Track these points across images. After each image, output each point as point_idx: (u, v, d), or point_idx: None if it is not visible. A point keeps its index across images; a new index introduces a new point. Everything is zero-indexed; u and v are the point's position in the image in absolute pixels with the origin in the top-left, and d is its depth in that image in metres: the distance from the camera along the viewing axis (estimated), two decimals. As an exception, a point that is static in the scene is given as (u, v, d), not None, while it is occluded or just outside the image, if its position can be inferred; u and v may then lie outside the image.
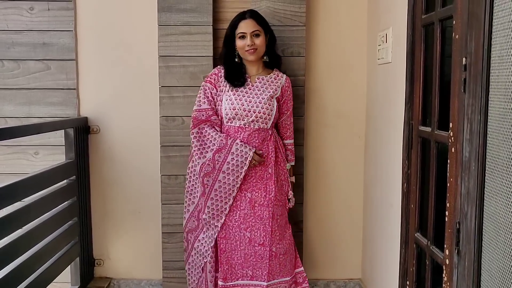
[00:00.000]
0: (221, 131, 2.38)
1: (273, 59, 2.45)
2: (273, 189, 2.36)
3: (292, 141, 2.53)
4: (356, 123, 2.87)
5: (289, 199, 2.45)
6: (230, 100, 2.34)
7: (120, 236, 2.92)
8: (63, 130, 2.61)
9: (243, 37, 2.33)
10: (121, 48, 2.80)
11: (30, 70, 2.81)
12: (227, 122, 2.35)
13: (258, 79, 2.40)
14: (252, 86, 2.38)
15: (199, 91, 2.40)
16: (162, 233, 2.77)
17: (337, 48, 2.83)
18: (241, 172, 2.31)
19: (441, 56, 1.80)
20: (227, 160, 2.32)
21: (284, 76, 2.46)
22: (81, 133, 2.72)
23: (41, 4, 2.77)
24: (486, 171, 1.32)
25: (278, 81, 2.42)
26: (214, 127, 2.37)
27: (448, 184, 1.53)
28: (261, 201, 2.36)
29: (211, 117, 2.36)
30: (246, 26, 2.32)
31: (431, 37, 1.88)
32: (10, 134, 2.00)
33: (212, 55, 2.67)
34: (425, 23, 1.89)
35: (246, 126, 2.33)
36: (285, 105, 2.45)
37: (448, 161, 1.54)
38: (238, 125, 2.33)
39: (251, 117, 2.32)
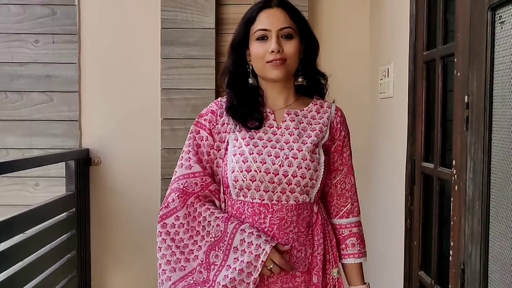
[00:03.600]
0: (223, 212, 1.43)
1: (313, 81, 1.51)
2: None
3: (358, 219, 1.54)
4: (358, 157, 2.85)
5: None
6: (240, 154, 1.39)
7: (119, 269, 2.87)
8: (64, 162, 2.61)
9: (263, 38, 1.40)
10: (123, 81, 2.82)
11: (33, 101, 2.82)
12: (237, 196, 1.39)
13: (288, 114, 1.45)
14: (279, 127, 1.44)
15: (186, 141, 1.47)
16: (162, 267, 2.72)
17: (340, 81, 2.84)
18: None
19: (443, 92, 1.80)
20: (227, 263, 1.36)
21: (333, 106, 1.52)
22: (82, 165, 2.71)
23: (46, 37, 2.81)
24: (490, 211, 1.30)
25: (323, 115, 1.48)
26: (208, 203, 1.43)
27: (452, 223, 1.51)
28: None
29: (210, 186, 1.42)
30: (270, 19, 1.40)
31: (433, 73, 1.89)
32: (10, 167, 1.99)
33: (214, 88, 2.69)
34: (427, 60, 1.89)
35: (273, 201, 1.37)
36: (339, 156, 1.51)
37: (452, 199, 1.51)
38: (258, 200, 1.37)
39: (280, 184, 1.36)
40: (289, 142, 1.42)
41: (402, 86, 2.14)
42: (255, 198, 1.38)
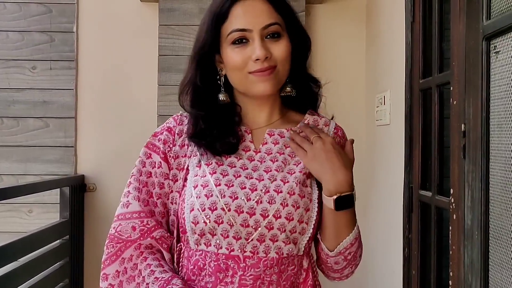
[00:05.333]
0: (172, 267, 1.09)
1: (303, 90, 1.17)
2: None
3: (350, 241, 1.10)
4: (354, 185, 2.84)
5: None
6: (203, 186, 1.05)
7: (112, 298, 2.82)
8: (59, 189, 2.58)
9: (242, 41, 1.05)
10: (120, 107, 2.82)
11: (29, 127, 2.81)
12: (196, 244, 1.05)
13: (270, 134, 1.12)
14: (257, 150, 1.11)
15: (133, 168, 1.14)
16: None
17: (336, 108, 2.85)
18: None
19: (440, 120, 1.80)
20: None
21: (332, 123, 1.21)
22: (77, 191, 2.69)
23: (44, 63, 2.81)
24: (489, 241, 1.28)
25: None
26: (152, 256, 1.07)
27: (451, 252, 1.49)
28: None
29: (154, 232, 1.07)
30: (250, 15, 1.05)
31: (429, 101, 1.89)
32: (4, 195, 1.97)
33: (211, 114, 2.69)
34: (423, 88, 1.90)
35: (246, 253, 1.03)
36: None
37: (450, 228, 1.50)
38: (225, 250, 1.03)
39: (257, 228, 1.03)
40: (270, 171, 1.07)
41: (399, 113, 2.14)
42: (221, 248, 1.02)
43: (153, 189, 1.10)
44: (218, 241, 1.03)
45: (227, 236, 1.02)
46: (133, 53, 2.82)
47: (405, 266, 2.01)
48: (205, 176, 1.06)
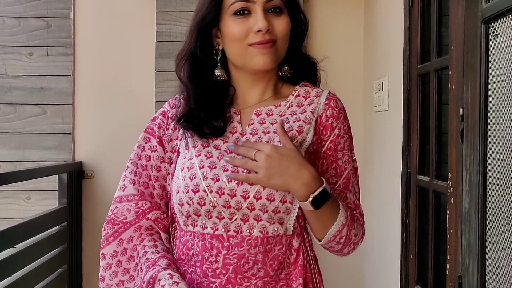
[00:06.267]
0: (168, 248, 1.11)
1: (300, 70, 1.16)
2: None
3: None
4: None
5: None
6: (188, 169, 1.06)
7: (111, 284, 2.83)
8: (57, 175, 2.58)
9: (244, 12, 1.05)
10: (118, 94, 2.81)
11: (26, 114, 2.80)
12: (185, 225, 1.07)
13: (257, 114, 1.11)
14: (243, 132, 1.10)
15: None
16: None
17: (334, 95, 2.85)
18: None
19: (438, 105, 1.80)
20: None
21: (324, 93, 1.14)
22: (75, 178, 2.69)
23: (41, 49, 2.80)
24: (487, 223, 1.29)
25: (307, 108, 1.10)
26: (150, 237, 1.10)
27: (448, 236, 1.50)
28: None
29: (149, 214, 1.10)
30: None
31: (427, 86, 1.89)
32: (1, 180, 1.97)
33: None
34: (421, 73, 1.90)
35: (229, 232, 1.03)
36: (330, 163, 1.11)
37: (448, 212, 1.51)
38: (210, 230, 1.04)
39: (240, 209, 1.02)
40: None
41: (397, 99, 2.14)
42: (206, 228, 1.03)
43: (152, 172, 1.13)
44: (203, 222, 1.04)
45: (211, 217, 1.03)
46: (131, 39, 2.80)
47: (403, 251, 2.03)
48: (192, 158, 1.07)
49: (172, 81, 2.74)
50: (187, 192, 1.04)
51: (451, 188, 1.48)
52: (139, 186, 1.12)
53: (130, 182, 1.12)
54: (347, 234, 1.07)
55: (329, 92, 1.15)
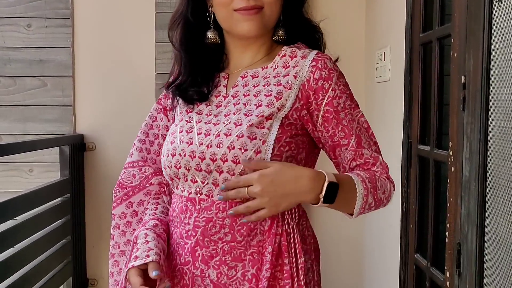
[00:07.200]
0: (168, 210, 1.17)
1: (299, 32, 1.13)
2: None
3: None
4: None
5: None
6: (172, 134, 1.10)
7: (114, 255, 2.87)
8: (58, 147, 2.59)
9: None
10: (118, 66, 2.79)
11: (26, 86, 2.79)
12: (172, 188, 1.13)
13: (243, 76, 1.09)
14: (226, 96, 1.09)
15: None
16: (157, 252, 2.72)
17: (335, 67, 2.83)
18: None
19: (440, 75, 1.79)
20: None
21: (311, 55, 1.07)
22: (77, 150, 2.69)
23: (39, 21, 2.77)
24: (486, 191, 1.29)
25: (291, 71, 1.05)
26: (154, 200, 1.17)
27: (448, 204, 1.50)
28: None
29: (152, 179, 1.17)
30: None
31: (429, 55, 1.87)
32: (3, 151, 1.98)
33: (209, 72, 2.67)
34: (423, 42, 1.88)
35: (201, 195, 1.04)
36: (335, 126, 1.05)
37: (448, 180, 1.51)
38: (186, 193, 1.06)
39: (210, 172, 1.02)
40: (229, 114, 1.04)
41: (399, 69, 2.12)
42: (184, 191, 1.06)
43: (159, 140, 1.21)
44: (183, 185, 1.07)
45: (187, 180, 1.05)
46: (130, 10, 2.77)
47: (403, 220, 2.04)
48: (177, 124, 1.10)
49: (172, 53, 2.72)
50: (168, 156, 1.07)
51: (452, 157, 1.48)
52: (145, 153, 1.19)
53: (136, 150, 1.19)
54: (374, 198, 1.05)
55: (318, 53, 1.08)
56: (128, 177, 1.18)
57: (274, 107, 1.02)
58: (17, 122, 2.79)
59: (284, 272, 1.01)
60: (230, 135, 1.00)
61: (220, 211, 1.02)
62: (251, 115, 1.02)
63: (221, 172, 1.01)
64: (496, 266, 1.25)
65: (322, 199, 0.97)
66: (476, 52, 1.33)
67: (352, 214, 1.05)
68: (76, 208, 2.69)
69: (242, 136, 0.99)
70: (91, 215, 2.82)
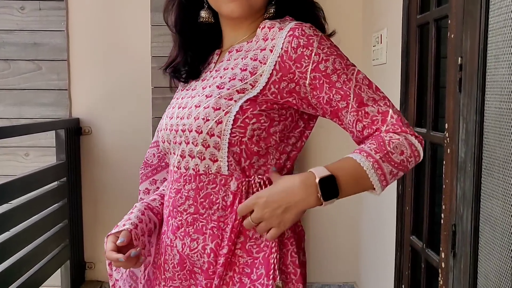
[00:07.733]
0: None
1: (289, 6, 1.07)
2: None
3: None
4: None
5: None
6: (166, 112, 1.14)
7: (111, 238, 2.88)
8: (54, 131, 2.58)
9: None
10: (113, 49, 2.76)
11: (21, 70, 2.77)
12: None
13: (230, 51, 1.07)
14: (211, 71, 1.09)
15: None
16: (155, 235, 2.73)
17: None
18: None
19: (436, 57, 1.78)
20: None
21: (288, 26, 0.99)
22: (73, 134, 2.68)
23: (33, 3, 2.74)
24: (482, 172, 1.30)
25: (268, 44, 1.01)
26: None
27: (444, 186, 1.51)
28: None
29: (167, 158, 1.16)
30: None
31: (426, 37, 1.86)
32: (-2, 134, 1.96)
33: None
34: (420, 23, 1.87)
35: (175, 167, 1.06)
36: (328, 91, 0.96)
37: (444, 162, 1.51)
38: (171, 166, 1.09)
39: (180, 144, 1.03)
40: (206, 87, 1.03)
41: (395, 52, 2.11)
42: (170, 164, 1.10)
43: None
44: (169, 158, 1.11)
45: (170, 153, 1.09)
46: (125, -8, 2.74)
47: (399, 202, 2.05)
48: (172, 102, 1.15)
49: (167, 36, 2.70)
50: (160, 131, 1.12)
51: (448, 138, 1.48)
52: None
53: (157, 131, 1.19)
54: (392, 164, 0.95)
55: (296, 23, 1.00)
56: (150, 156, 1.23)
57: (247, 82, 0.98)
58: (12, 106, 2.78)
59: (246, 249, 1.00)
60: (199, 106, 0.99)
61: (187, 183, 1.03)
62: (223, 87, 0.99)
63: (188, 143, 1.01)
64: (491, 247, 1.26)
65: (323, 200, 0.93)
66: (473, 33, 1.32)
67: (377, 193, 0.98)
68: (72, 192, 2.69)
69: (208, 107, 0.98)
70: (87, 198, 2.83)
